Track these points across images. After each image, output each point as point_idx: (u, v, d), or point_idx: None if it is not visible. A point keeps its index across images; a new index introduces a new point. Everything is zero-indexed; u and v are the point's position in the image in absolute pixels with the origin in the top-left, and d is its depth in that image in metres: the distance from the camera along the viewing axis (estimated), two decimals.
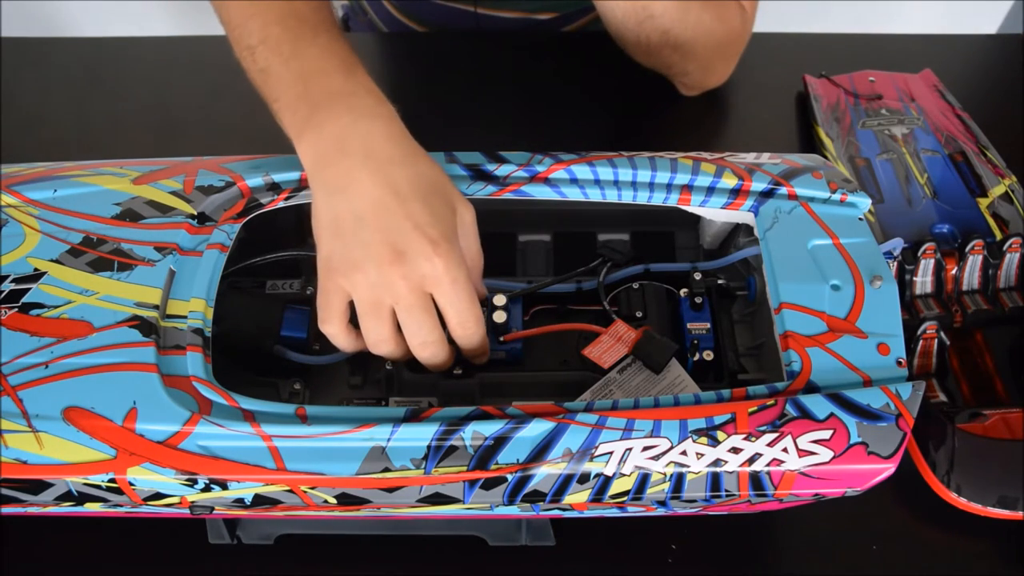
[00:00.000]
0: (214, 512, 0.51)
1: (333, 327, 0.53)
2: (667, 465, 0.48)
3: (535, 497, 0.49)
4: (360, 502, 0.49)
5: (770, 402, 0.49)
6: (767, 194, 0.59)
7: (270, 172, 0.59)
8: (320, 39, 0.57)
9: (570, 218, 0.65)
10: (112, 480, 0.48)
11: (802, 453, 0.48)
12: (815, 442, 0.48)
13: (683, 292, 0.60)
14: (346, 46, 0.57)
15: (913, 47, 0.93)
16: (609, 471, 0.48)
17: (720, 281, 0.61)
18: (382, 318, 0.52)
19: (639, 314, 0.60)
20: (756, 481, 0.49)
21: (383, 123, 0.54)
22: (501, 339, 0.58)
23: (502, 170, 0.59)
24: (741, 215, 0.60)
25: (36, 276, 0.54)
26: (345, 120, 0.54)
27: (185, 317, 0.53)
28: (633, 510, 0.52)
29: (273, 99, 0.57)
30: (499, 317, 0.58)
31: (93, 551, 0.58)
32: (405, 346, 0.53)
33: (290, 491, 0.49)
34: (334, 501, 0.49)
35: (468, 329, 0.53)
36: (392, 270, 0.50)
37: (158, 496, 0.49)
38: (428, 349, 0.53)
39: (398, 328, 0.53)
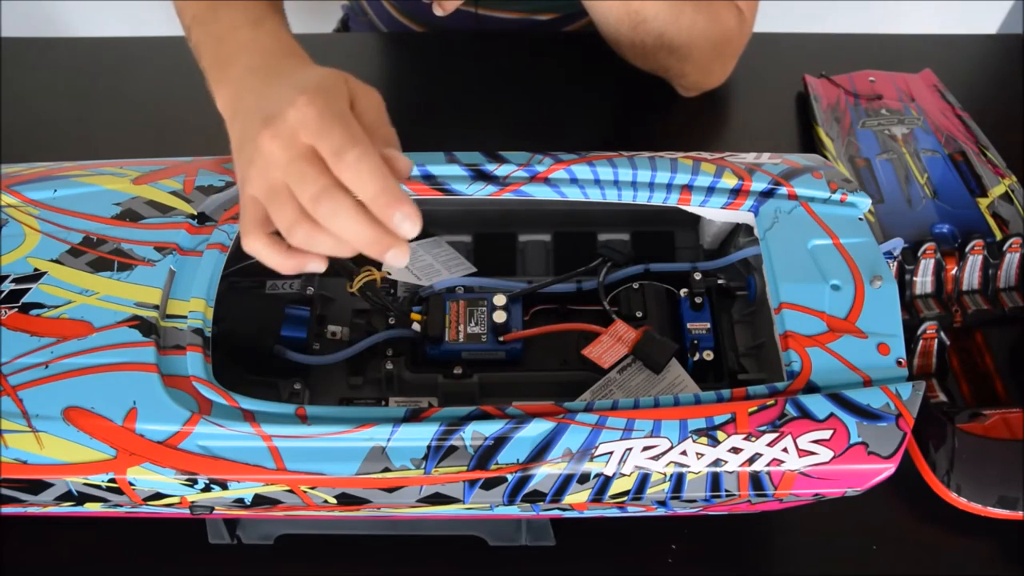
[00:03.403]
0: (214, 512, 0.51)
1: (254, 240, 0.48)
2: (667, 465, 0.48)
3: (535, 497, 0.49)
4: (360, 502, 0.49)
5: (770, 402, 0.49)
6: (767, 194, 0.59)
7: None
8: (236, 2, 0.57)
9: (570, 218, 0.65)
10: (112, 480, 0.48)
11: (802, 453, 0.48)
12: (815, 442, 0.48)
13: (683, 292, 0.60)
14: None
15: (913, 47, 0.93)
16: (609, 471, 0.48)
17: (720, 281, 0.61)
18: (281, 198, 0.46)
19: (639, 314, 0.60)
20: (756, 481, 0.49)
21: (279, 56, 0.54)
22: (501, 339, 0.58)
23: (502, 170, 0.59)
24: (741, 215, 0.60)
25: (36, 276, 0.54)
26: (247, 64, 0.54)
27: (185, 317, 0.53)
28: (633, 510, 0.52)
29: (206, 71, 0.56)
30: (499, 317, 0.58)
31: (93, 551, 0.58)
32: (322, 228, 0.46)
33: (290, 491, 0.49)
34: (334, 501, 0.49)
35: (352, 165, 0.45)
36: (265, 139, 0.47)
37: (158, 496, 0.49)
38: (322, 204, 0.45)
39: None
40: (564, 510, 0.52)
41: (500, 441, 0.48)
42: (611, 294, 0.61)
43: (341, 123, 0.46)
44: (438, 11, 0.64)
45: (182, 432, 0.48)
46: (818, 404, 0.49)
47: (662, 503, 0.50)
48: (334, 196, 0.45)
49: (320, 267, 0.48)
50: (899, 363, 0.51)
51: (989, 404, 0.61)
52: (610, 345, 0.57)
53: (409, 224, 0.46)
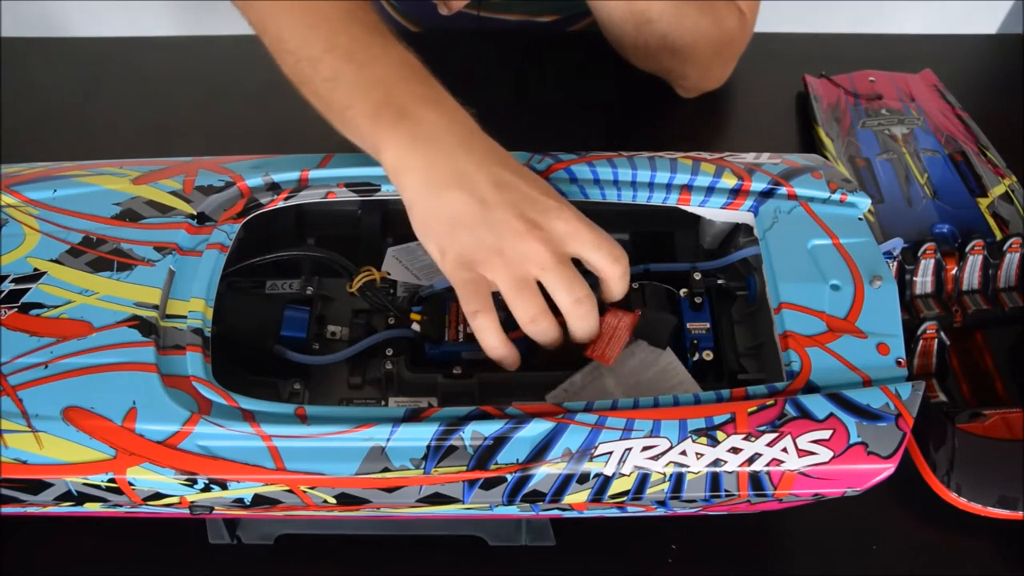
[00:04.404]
0: (214, 512, 0.51)
1: (493, 321, 0.52)
2: (667, 465, 0.48)
3: (535, 497, 0.49)
4: (360, 502, 0.49)
5: (770, 402, 0.49)
6: (767, 194, 0.59)
7: (270, 172, 0.59)
8: (392, 49, 0.57)
9: None
10: (112, 480, 0.48)
11: (802, 453, 0.48)
12: (815, 442, 0.48)
13: (683, 292, 0.60)
14: (415, 56, 0.58)
15: (913, 47, 0.93)
16: (609, 471, 0.48)
17: (720, 281, 0.61)
18: (532, 291, 0.52)
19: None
20: (756, 481, 0.49)
21: (471, 123, 0.56)
22: None
23: None
24: (741, 215, 0.60)
25: (36, 276, 0.54)
26: (438, 122, 0.55)
27: (185, 317, 0.53)
28: (633, 510, 0.52)
29: (344, 107, 0.56)
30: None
31: (93, 551, 0.58)
32: (557, 322, 0.53)
33: (290, 491, 0.49)
34: (334, 501, 0.49)
35: (616, 253, 0.54)
36: (531, 240, 0.52)
37: (158, 496, 0.49)
38: (583, 306, 0.53)
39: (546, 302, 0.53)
40: (564, 510, 0.52)
41: (500, 441, 0.48)
42: None
43: (598, 229, 0.54)
44: (443, 11, 0.64)
45: (182, 432, 0.48)
46: (818, 404, 0.49)
47: (662, 503, 0.50)
48: (593, 300, 0.53)
49: (515, 366, 0.55)
50: (899, 363, 0.51)
51: (989, 404, 0.61)
52: (609, 337, 0.56)
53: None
